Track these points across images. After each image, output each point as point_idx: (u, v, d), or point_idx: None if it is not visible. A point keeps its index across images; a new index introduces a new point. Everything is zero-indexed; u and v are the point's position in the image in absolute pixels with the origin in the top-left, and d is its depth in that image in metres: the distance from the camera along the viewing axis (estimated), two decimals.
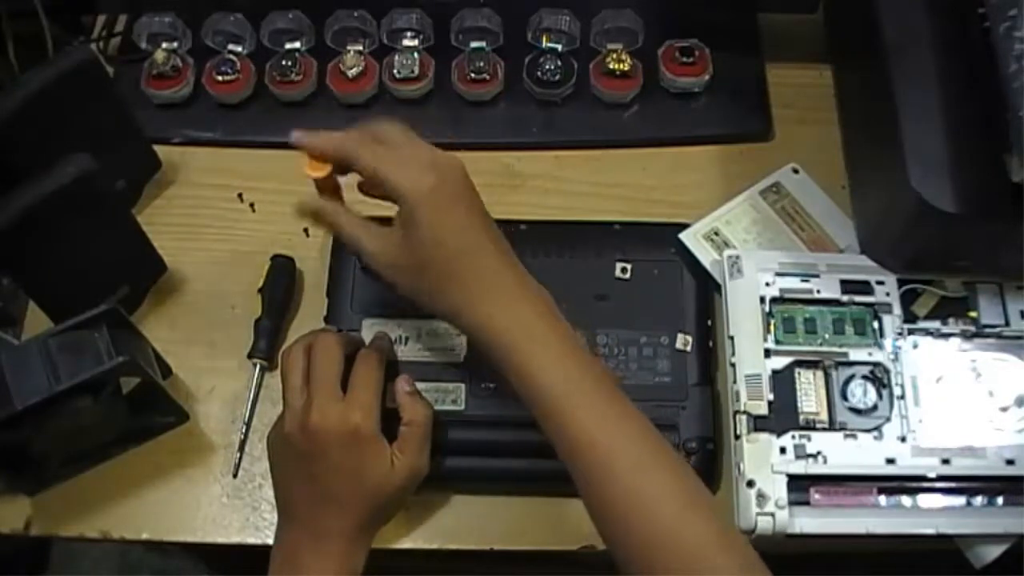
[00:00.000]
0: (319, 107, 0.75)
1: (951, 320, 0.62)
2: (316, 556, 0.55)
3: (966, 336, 0.62)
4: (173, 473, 0.63)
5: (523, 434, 0.60)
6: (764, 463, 0.58)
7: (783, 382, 0.61)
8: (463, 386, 0.62)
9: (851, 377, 0.61)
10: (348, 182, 0.57)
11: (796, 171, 0.70)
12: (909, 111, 0.57)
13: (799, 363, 0.61)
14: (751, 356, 0.61)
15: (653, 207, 0.71)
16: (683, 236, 0.66)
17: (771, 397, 0.60)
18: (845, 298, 0.63)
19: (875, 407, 0.60)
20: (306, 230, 0.70)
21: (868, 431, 0.59)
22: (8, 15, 0.81)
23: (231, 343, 0.66)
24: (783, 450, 0.59)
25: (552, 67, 0.73)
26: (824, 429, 0.60)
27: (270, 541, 0.59)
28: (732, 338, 0.62)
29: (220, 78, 0.74)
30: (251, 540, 0.61)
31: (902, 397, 0.60)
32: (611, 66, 0.73)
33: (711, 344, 0.64)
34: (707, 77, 0.73)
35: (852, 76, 0.71)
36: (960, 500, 0.58)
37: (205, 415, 0.65)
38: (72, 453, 0.61)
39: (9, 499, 0.62)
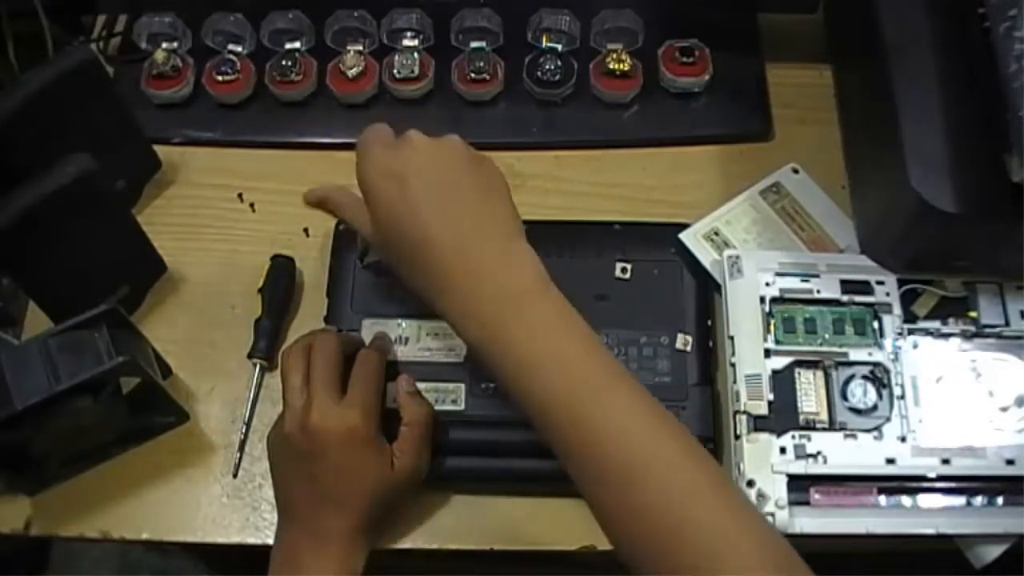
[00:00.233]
0: (319, 107, 0.75)
1: (951, 320, 0.62)
2: (316, 556, 0.55)
3: (966, 336, 0.62)
4: (173, 473, 0.63)
5: (523, 434, 0.60)
6: (764, 463, 0.58)
7: (783, 382, 0.61)
8: (463, 386, 0.62)
9: (851, 377, 0.61)
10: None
11: (796, 171, 0.70)
12: (909, 111, 0.57)
13: (799, 363, 0.61)
14: (751, 356, 0.61)
15: (653, 207, 0.71)
16: (683, 236, 0.66)
17: (771, 397, 0.60)
18: (845, 298, 0.63)
19: (875, 407, 0.60)
20: (306, 230, 0.70)
21: (868, 431, 0.59)
22: (8, 15, 0.81)
23: (231, 343, 0.66)
24: (783, 450, 0.59)
25: (552, 67, 0.73)
26: (824, 429, 0.60)
27: (270, 541, 0.59)
28: (732, 338, 0.62)
29: (220, 78, 0.74)
30: (251, 540, 0.61)
31: (902, 397, 0.60)
32: (611, 66, 0.73)
33: (711, 344, 0.64)
34: (707, 77, 0.73)
35: (852, 76, 0.71)
36: (960, 500, 0.58)
37: (205, 415, 0.65)
38: (72, 453, 0.61)
39: (9, 499, 0.62)
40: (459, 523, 0.61)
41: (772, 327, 0.62)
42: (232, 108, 0.75)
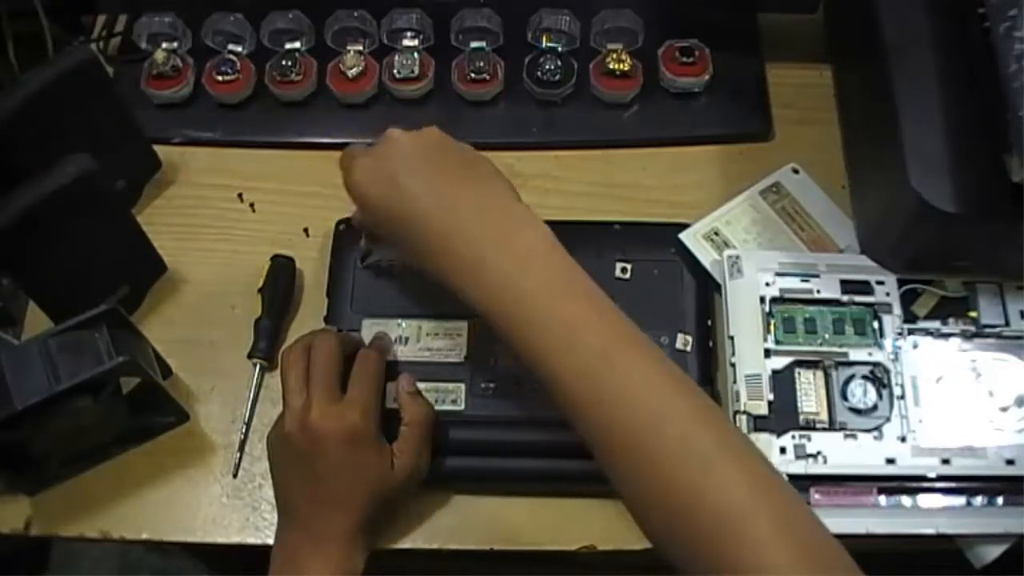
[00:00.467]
0: (319, 107, 0.75)
1: (951, 320, 0.62)
2: (316, 556, 0.55)
3: (966, 336, 0.62)
4: (173, 473, 0.63)
5: (523, 434, 0.60)
6: None
7: (783, 382, 0.61)
8: (463, 386, 0.62)
9: (851, 377, 0.61)
10: None
11: (796, 171, 0.70)
12: (909, 111, 0.57)
13: (799, 363, 0.61)
14: (751, 356, 0.61)
15: (653, 207, 0.71)
16: (683, 236, 0.66)
17: (771, 397, 0.60)
18: (845, 298, 0.63)
19: (875, 407, 0.60)
20: (306, 230, 0.70)
21: (868, 431, 0.59)
22: (8, 15, 0.81)
23: (231, 343, 0.66)
24: (783, 450, 0.59)
25: (552, 67, 0.73)
26: (824, 429, 0.60)
27: (270, 541, 0.59)
28: (732, 338, 0.62)
29: (220, 78, 0.74)
30: (251, 540, 0.61)
31: (902, 397, 0.60)
32: (611, 66, 0.73)
33: (711, 344, 0.63)
34: (707, 77, 0.73)
35: (852, 76, 0.71)
36: (960, 500, 0.58)
37: (205, 415, 0.65)
38: (72, 453, 0.61)
39: (9, 499, 0.62)
40: (459, 523, 0.61)
41: (772, 327, 0.62)
42: (232, 108, 0.75)
